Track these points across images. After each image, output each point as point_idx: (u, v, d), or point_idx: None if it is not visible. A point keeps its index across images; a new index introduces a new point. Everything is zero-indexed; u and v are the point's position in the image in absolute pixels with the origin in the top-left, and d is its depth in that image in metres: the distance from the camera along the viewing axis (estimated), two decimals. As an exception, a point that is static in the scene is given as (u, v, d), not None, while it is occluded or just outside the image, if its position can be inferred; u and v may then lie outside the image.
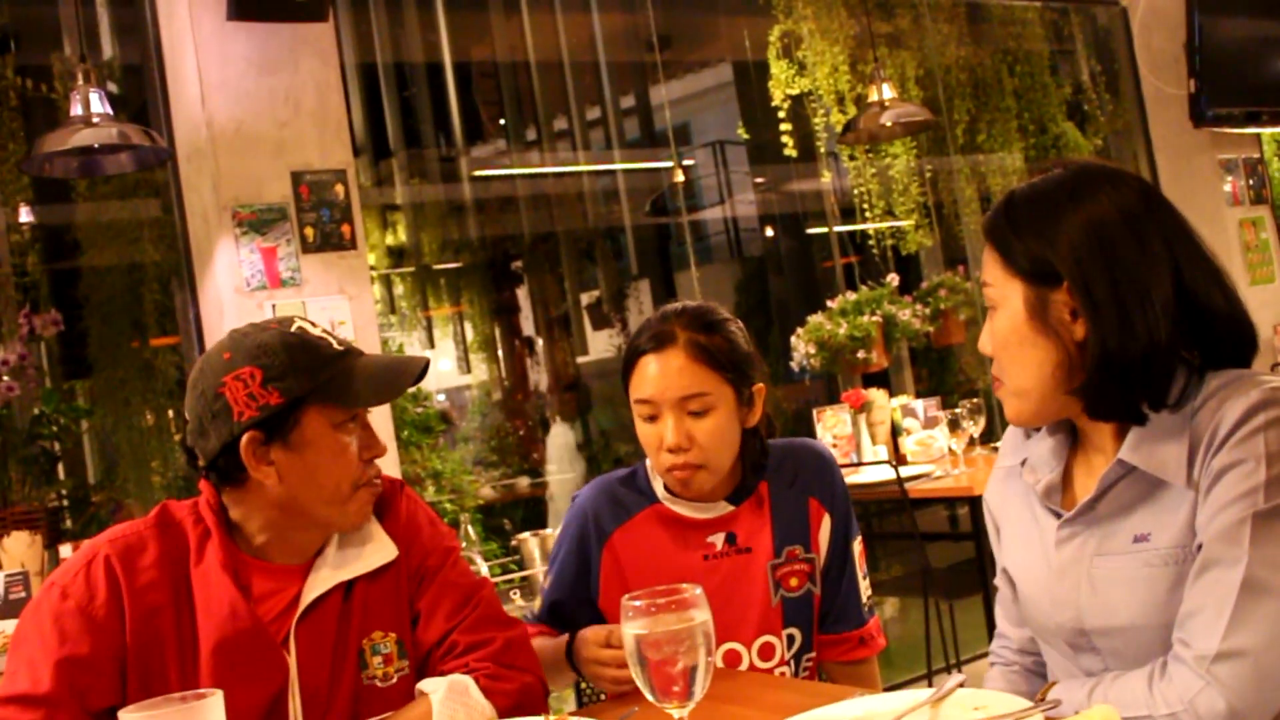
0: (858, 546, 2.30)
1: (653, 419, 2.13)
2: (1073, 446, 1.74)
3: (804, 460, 2.29)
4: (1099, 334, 1.58)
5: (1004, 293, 1.66)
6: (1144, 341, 1.56)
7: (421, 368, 1.89)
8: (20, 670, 1.72)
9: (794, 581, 2.21)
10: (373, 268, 7.93)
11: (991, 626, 1.99)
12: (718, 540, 2.20)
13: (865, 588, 2.31)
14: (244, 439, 1.78)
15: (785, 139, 6.52)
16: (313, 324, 1.87)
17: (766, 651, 2.18)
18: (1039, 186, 1.67)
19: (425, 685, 1.81)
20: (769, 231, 11.65)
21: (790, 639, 2.21)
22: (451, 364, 10.77)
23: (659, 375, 2.11)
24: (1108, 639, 1.63)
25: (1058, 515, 1.70)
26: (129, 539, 1.80)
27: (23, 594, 3.41)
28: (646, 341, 2.14)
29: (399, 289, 10.27)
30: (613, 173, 10.82)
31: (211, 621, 1.77)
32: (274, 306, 4.38)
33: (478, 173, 10.44)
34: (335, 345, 1.85)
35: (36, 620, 1.74)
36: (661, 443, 2.11)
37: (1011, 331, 1.66)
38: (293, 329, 1.83)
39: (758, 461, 2.23)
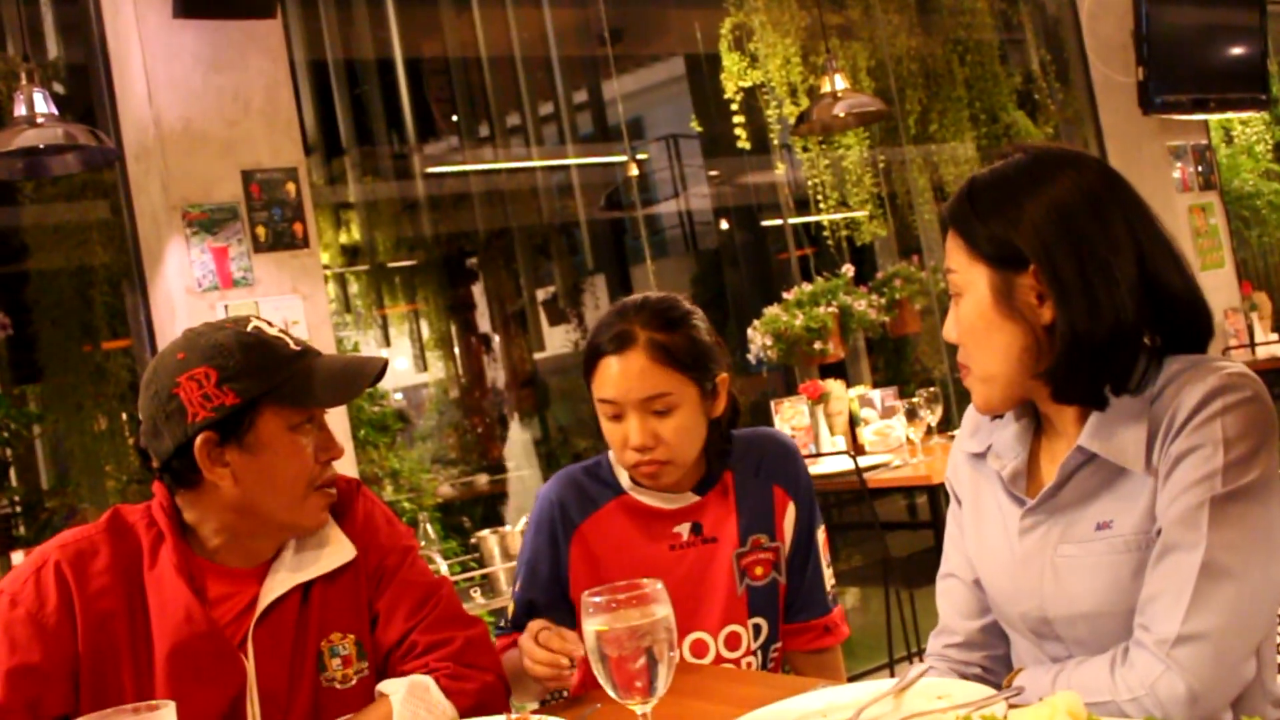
0: (821, 535, 2.31)
1: (617, 418, 2.13)
2: (1037, 433, 1.74)
3: (768, 449, 2.29)
4: (1067, 315, 1.57)
5: (968, 278, 1.66)
6: (1111, 322, 1.56)
7: (380, 368, 1.87)
8: None
9: (759, 570, 2.21)
10: (326, 266, 7.88)
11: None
12: (684, 530, 2.20)
13: (829, 576, 2.32)
14: (198, 440, 1.76)
15: (738, 131, 6.52)
16: (269, 323, 1.85)
17: (733, 641, 2.19)
18: (1000, 171, 1.67)
19: (385, 686, 1.80)
20: (724, 224, 11.66)
21: (756, 628, 2.21)
22: (408, 362, 10.72)
23: (620, 377, 2.10)
24: (1071, 627, 1.63)
25: (1021, 503, 1.70)
26: (80, 544, 1.78)
27: (-26, 603, 3.36)
28: (607, 342, 2.12)
29: (353, 287, 10.21)
30: (566, 168, 10.80)
31: (166, 626, 1.74)
32: (226, 307, 4.34)
33: (431, 169, 10.40)
34: (292, 345, 1.83)
35: None
36: (626, 441, 2.11)
37: (978, 317, 1.65)
38: (249, 328, 1.81)
39: (722, 450, 2.23)
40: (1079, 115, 7.44)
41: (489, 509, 8.49)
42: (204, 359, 1.76)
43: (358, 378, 1.85)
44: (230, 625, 1.79)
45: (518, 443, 8.78)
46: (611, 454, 2.24)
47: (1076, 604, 1.61)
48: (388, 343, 10.70)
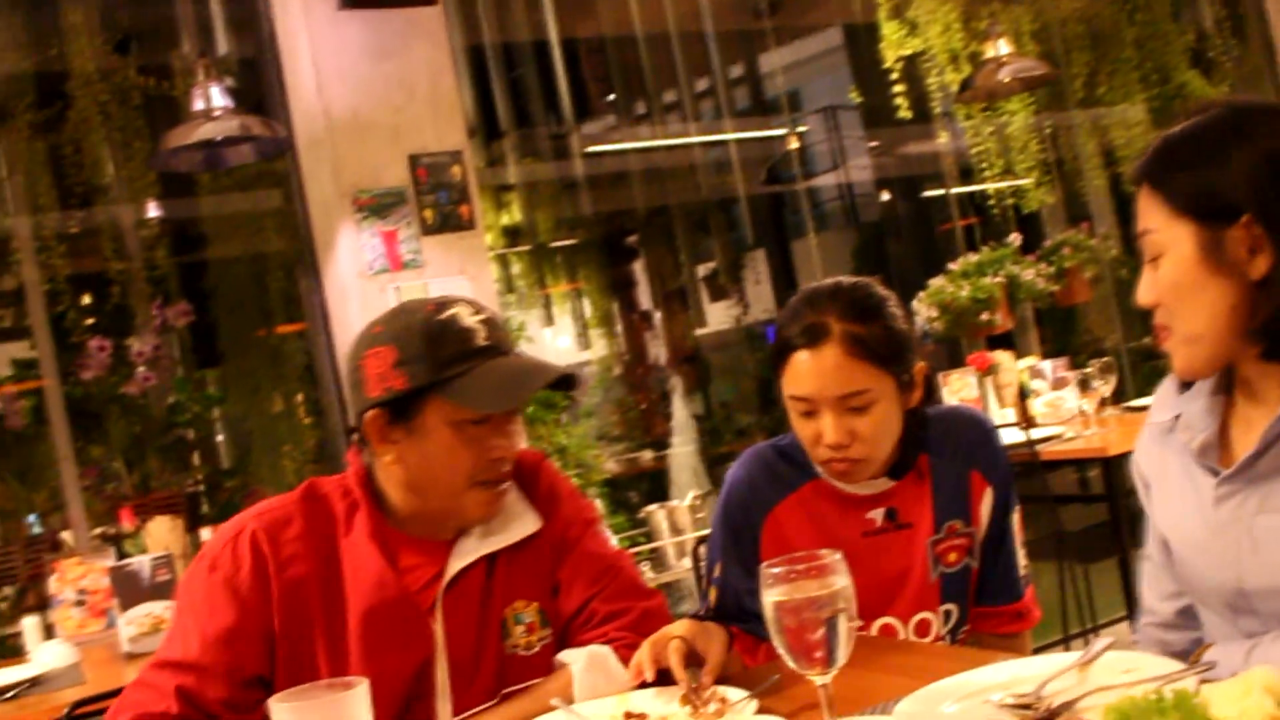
0: (1016, 518, 2.20)
1: (809, 414, 2.02)
2: (1228, 403, 1.68)
3: (964, 430, 2.19)
4: None
5: (1169, 236, 1.59)
6: None
7: (554, 377, 1.85)
8: (175, 637, 1.77)
9: (953, 556, 2.12)
10: (489, 248, 8.00)
11: (1129, 591, 1.92)
12: (877, 516, 2.12)
13: (1022, 559, 2.22)
14: (368, 415, 1.80)
15: (899, 101, 6.43)
16: (476, 311, 1.84)
17: (923, 628, 2.12)
18: (1198, 124, 1.60)
19: (565, 656, 1.82)
20: (885, 196, 11.52)
21: (947, 614, 2.13)
22: (570, 340, 10.83)
23: (814, 374, 1.98)
24: (1269, 600, 1.57)
25: (1215, 473, 1.64)
26: (274, 514, 1.84)
27: (167, 576, 3.50)
28: (798, 335, 2.00)
29: (515, 268, 10.33)
30: (724, 143, 10.76)
31: (359, 591, 1.79)
32: (397, 289, 4.44)
33: (589, 149, 10.45)
34: (480, 339, 1.81)
35: (189, 591, 1.80)
36: (820, 439, 2.01)
37: (1182, 275, 1.58)
38: (444, 314, 1.81)
39: (917, 436, 2.14)
40: (1257, 72, 7.15)
41: (654, 484, 8.53)
42: (391, 337, 1.80)
43: (521, 388, 1.83)
44: (419, 593, 1.83)
45: (681, 419, 8.80)
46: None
47: (1276, 576, 1.55)
48: (550, 321, 10.82)
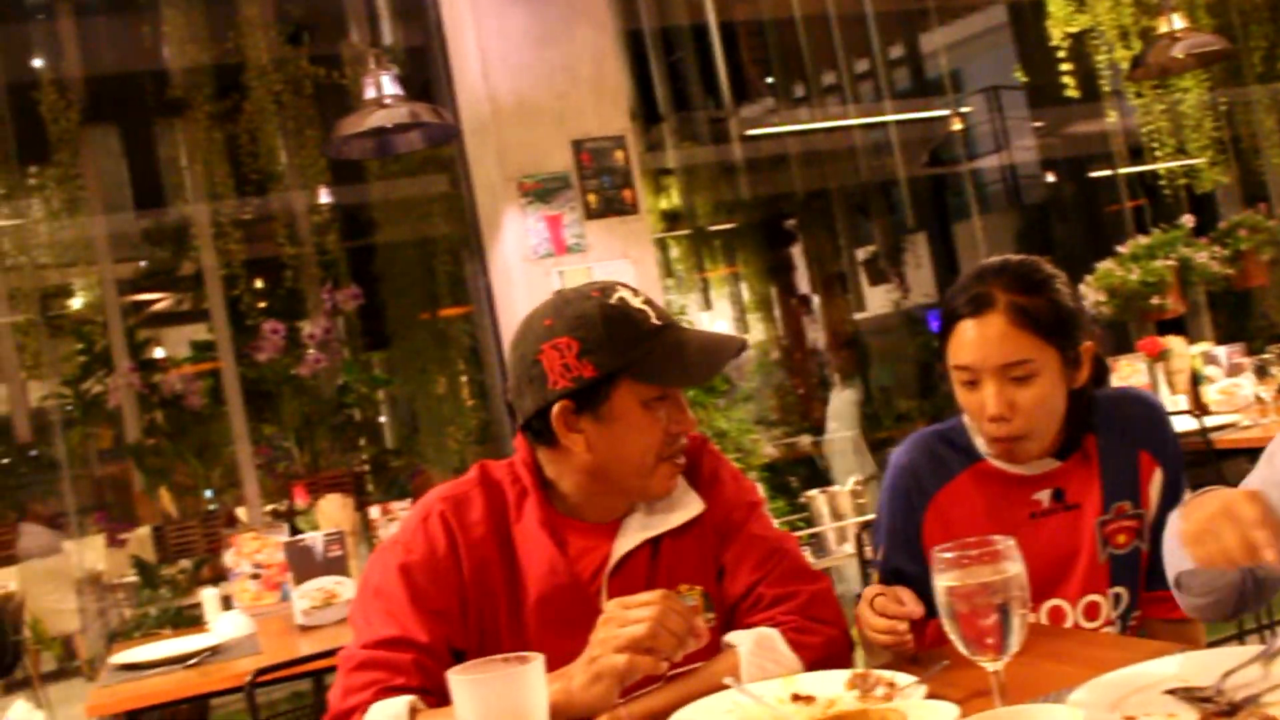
0: (1188, 498, 2.17)
1: (972, 385, 2.02)
2: None
3: (1134, 411, 2.15)
4: None
5: None
6: None
7: (738, 348, 1.87)
8: (379, 619, 1.79)
9: (1121, 538, 2.09)
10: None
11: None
12: (1044, 497, 2.09)
13: None
14: (556, 407, 1.82)
15: (1065, 80, 6.28)
16: (635, 292, 1.87)
17: (1091, 611, 2.09)
18: None
19: (733, 638, 1.83)
20: (1050, 177, 11.27)
21: (1116, 598, 2.10)
22: (728, 324, 10.83)
23: (978, 342, 1.99)
24: None
25: None
26: (457, 495, 1.88)
27: (339, 552, 3.60)
28: (964, 305, 2.01)
29: (674, 252, 10.38)
30: (884, 125, 10.64)
31: (533, 577, 1.83)
32: (561, 273, 4.49)
33: (748, 133, 10.43)
34: (653, 319, 1.84)
35: (384, 575, 1.83)
36: (983, 410, 2.00)
37: None
38: (614, 299, 1.84)
39: (1084, 418, 2.10)
40: None
41: (812, 470, 8.50)
42: (568, 329, 1.82)
43: (714, 361, 1.85)
44: (586, 578, 1.86)
45: (839, 404, 8.75)
46: (965, 417, 2.16)
47: None
48: (708, 305, 10.84)
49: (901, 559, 2.13)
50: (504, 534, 1.85)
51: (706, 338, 1.87)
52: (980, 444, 2.12)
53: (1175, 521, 1.70)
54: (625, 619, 1.61)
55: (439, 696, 1.67)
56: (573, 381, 1.80)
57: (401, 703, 1.68)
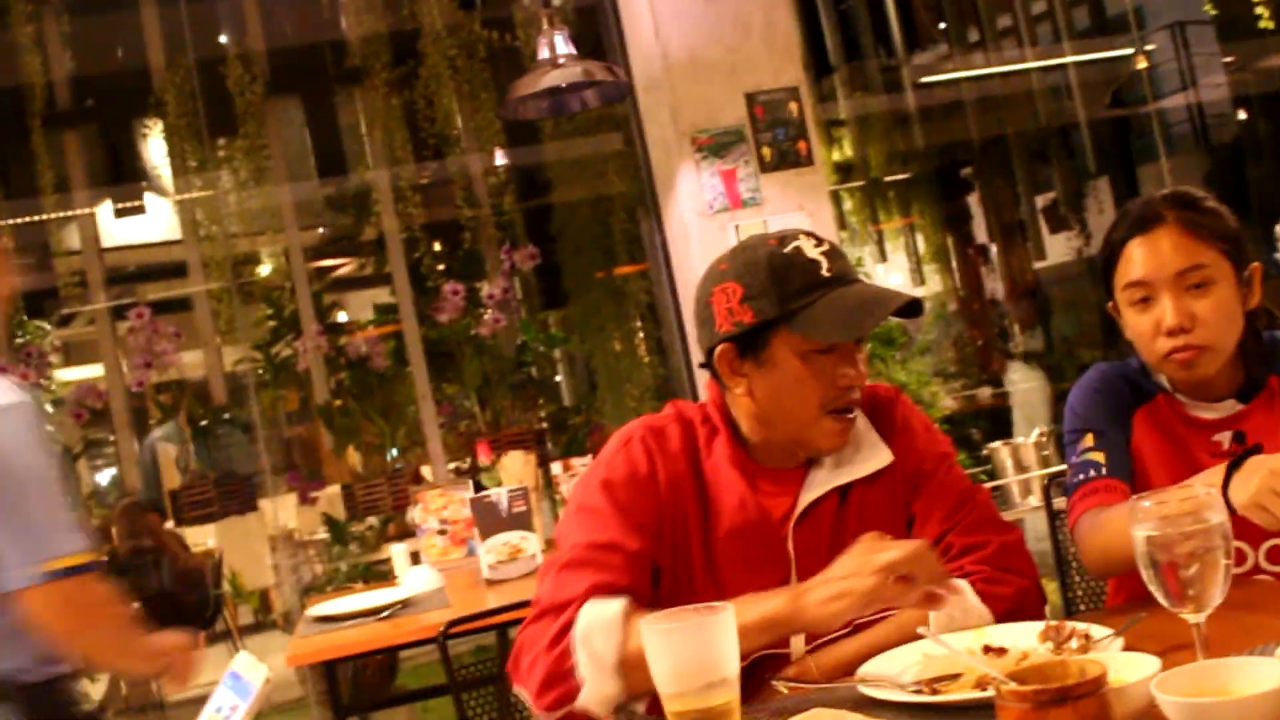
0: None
1: (1146, 302, 1.98)
2: None
3: None
4: None
5: None
6: None
7: (901, 304, 1.84)
8: (588, 527, 1.83)
9: None
10: (822, 184, 7.96)
11: None
12: (1224, 439, 2.03)
13: None
14: (718, 349, 1.86)
15: (1259, 10, 6.02)
16: (819, 242, 1.87)
17: (1275, 555, 2.03)
18: None
19: (920, 588, 1.82)
20: (1242, 115, 10.81)
21: None
22: (904, 276, 10.67)
23: (1150, 254, 1.96)
24: None
25: None
26: (656, 425, 1.93)
27: (523, 507, 3.66)
28: (1130, 227, 1.99)
29: (847, 204, 10.26)
30: (1063, 67, 10.32)
31: (723, 509, 1.86)
32: (737, 227, 4.49)
33: (921, 80, 10.24)
34: (824, 271, 1.83)
35: (588, 492, 1.87)
36: (1159, 327, 1.96)
37: None
38: (788, 248, 1.84)
39: (1263, 353, 2.04)
40: None
41: (993, 422, 8.35)
42: (736, 274, 1.85)
43: (866, 317, 1.83)
44: (776, 520, 1.87)
45: (1020, 355, 8.57)
46: (1135, 361, 2.11)
47: None
48: (884, 257, 10.70)
49: (1118, 444, 2.05)
50: (697, 468, 1.90)
51: (866, 295, 1.85)
52: (1164, 380, 2.06)
53: None
54: (884, 547, 1.63)
55: (646, 604, 1.73)
56: (734, 326, 1.83)
57: (616, 605, 1.71)
